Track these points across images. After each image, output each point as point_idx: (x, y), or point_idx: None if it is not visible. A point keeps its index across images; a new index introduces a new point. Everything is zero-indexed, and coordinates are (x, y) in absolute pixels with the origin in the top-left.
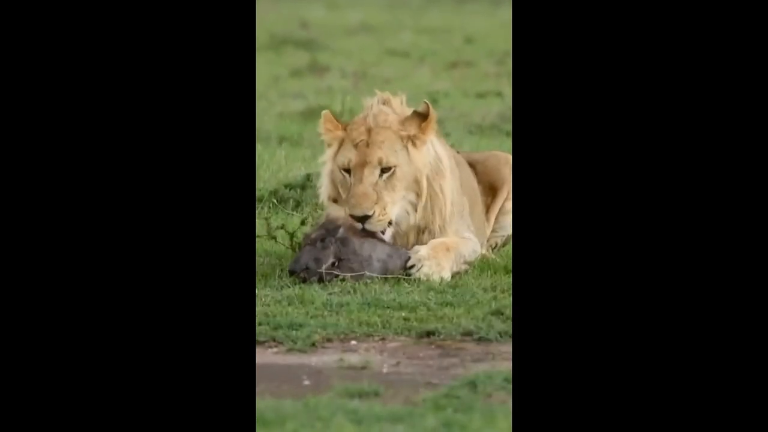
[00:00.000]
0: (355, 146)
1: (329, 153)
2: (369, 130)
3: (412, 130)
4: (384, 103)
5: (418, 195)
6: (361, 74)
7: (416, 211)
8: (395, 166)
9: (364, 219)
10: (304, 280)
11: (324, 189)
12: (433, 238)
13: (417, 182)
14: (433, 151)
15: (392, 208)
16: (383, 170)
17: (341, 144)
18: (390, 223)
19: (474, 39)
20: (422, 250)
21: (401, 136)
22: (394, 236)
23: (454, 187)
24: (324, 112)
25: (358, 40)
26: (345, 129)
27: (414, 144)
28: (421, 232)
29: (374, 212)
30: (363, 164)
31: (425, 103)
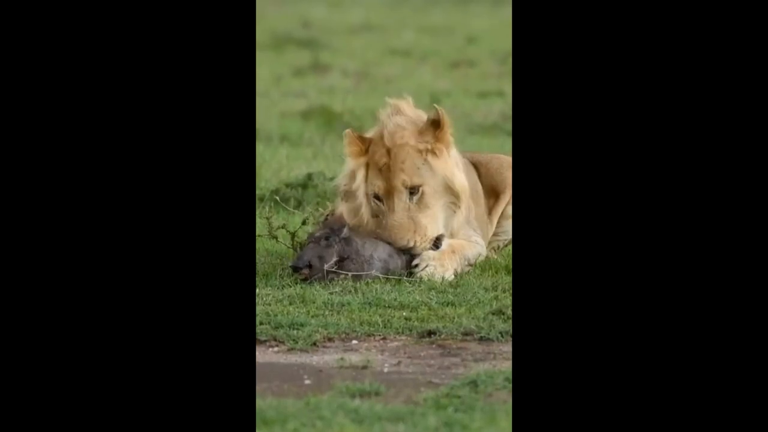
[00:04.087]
0: (380, 171)
1: (359, 177)
2: (389, 151)
3: (429, 141)
4: (397, 113)
5: (456, 195)
6: (363, 73)
7: (460, 208)
8: (421, 186)
9: (408, 250)
10: (306, 279)
11: (365, 210)
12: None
13: (449, 186)
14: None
15: (433, 227)
16: (411, 192)
17: (367, 168)
18: (438, 238)
19: (476, 38)
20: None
21: (420, 151)
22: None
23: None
24: (347, 132)
25: (360, 40)
26: (367, 151)
27: (435, 154)
28: None
29: (415, 242)
30: (391, 191)
31: (437, 109)
